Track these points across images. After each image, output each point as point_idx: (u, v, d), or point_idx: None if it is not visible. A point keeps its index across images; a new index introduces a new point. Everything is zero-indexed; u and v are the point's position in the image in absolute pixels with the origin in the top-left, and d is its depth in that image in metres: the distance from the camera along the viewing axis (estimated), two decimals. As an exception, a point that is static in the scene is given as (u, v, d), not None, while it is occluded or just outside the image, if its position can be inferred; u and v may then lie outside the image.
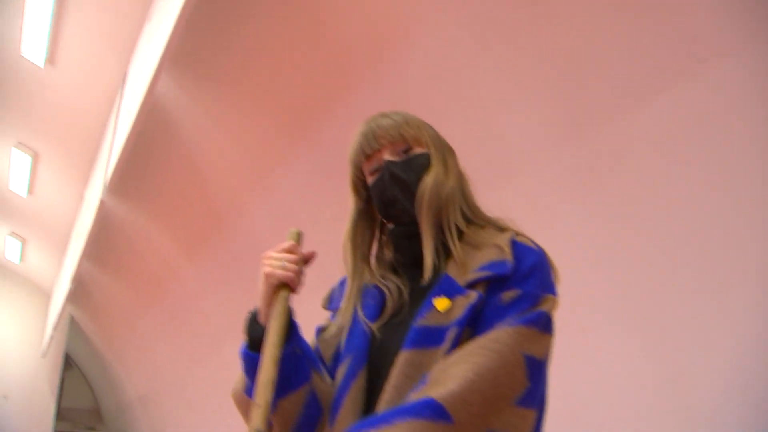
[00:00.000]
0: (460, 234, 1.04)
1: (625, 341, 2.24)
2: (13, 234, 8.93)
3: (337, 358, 1.06)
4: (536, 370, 0.91)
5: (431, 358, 0.92)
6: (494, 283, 0.95)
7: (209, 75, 3.83)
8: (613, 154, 2.19)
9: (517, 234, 1.03)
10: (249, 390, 1.02)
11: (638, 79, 2.06)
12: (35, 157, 6.59)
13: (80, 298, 8.91)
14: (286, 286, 1.01)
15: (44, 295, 10.42)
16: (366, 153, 1.09)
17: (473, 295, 0.94)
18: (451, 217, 1.04)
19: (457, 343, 0.92)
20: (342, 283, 1.15)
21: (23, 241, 9.09)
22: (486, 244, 1.00)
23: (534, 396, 0.91)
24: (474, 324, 0.93)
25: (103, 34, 4.71)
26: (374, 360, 0.99)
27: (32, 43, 4.95)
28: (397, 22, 2.71)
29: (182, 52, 3.77)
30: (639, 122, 2.08)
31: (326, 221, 3.54)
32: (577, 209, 2.33)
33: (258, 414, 0.91)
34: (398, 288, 1.05)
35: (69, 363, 12.14)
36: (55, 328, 8.33)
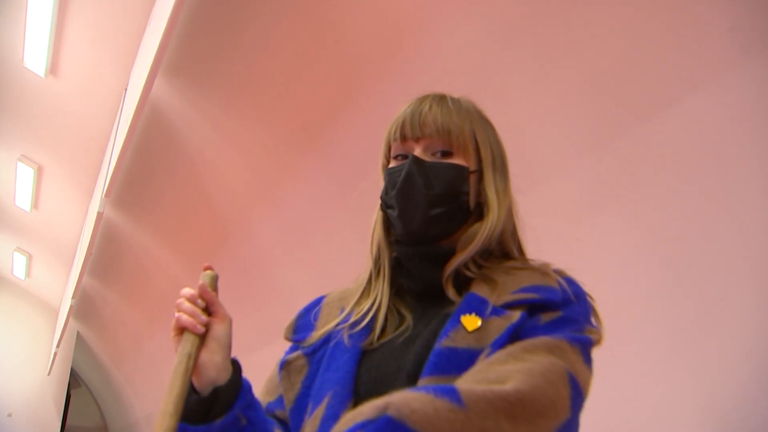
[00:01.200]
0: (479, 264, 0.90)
1: (657, 353, 2.08)
2: (18, 249, 8.85)
3: (303, 396, 0.89)
4: (577, 399, 0.75)
5: None
6: (537, 308, 0.82)
7: (212, 81, 3.71)
8: (641, 162, 2.05)
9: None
10: None
11: (667, 84, 1.92)
12: (39, 170, 6.49)
13: (87, 315, 8.84)
14: (188, 331, 0.85)
15: (51, 311, 10.35)
16: (403, 134, 0.93)
17: (515, 315, 0.80)
18: (481, 250, 0.90)
19: None
20: (309, 310, 1.00)
21: (29, 257, 9.03)
22: (519, 270, 0.88)
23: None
24: None
25: (105, 43, 4.61)
26: (362, 394, 0.82)
27: (34, 53, 4.85)
28: (410, 23, 2.57)
29: (182, 57, 3.66)
30: (669, 128, 1.94)
31: (338, 237, 3.42)
32: (604, 219, 2.19)
33: None
34: (395, 308, 0.92)
35: (76, 380, 12.08)
36: (59, 345, 8.24)
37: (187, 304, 0.86)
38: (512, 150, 2.55)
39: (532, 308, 0.81)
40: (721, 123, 1.83)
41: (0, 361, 10.06)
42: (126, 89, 4.54)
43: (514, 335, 0.78)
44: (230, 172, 4.13)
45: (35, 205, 7.24)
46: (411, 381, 0.79)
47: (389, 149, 0.96)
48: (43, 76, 5.04)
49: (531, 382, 0.70)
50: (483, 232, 0.89)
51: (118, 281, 7.29)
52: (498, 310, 0.81)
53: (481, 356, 0.77)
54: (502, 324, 0.79)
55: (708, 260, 1.92)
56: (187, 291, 0.87)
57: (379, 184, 0.99)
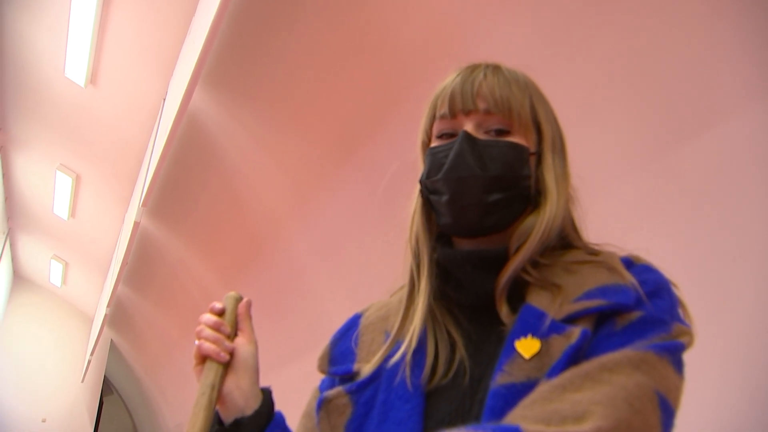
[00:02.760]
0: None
1: (715, 369, 1.96)
2: (55, 257, 8.98)
3: None
4: (668, 421, 0.63)
5: None
6: (607, 315, 0.67)
7: (250, 92, 3.70)
8: (692, 177, 1.95)
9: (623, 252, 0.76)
10: None
11: (720, 98, 1.82)
12: (77, 179, 6.57)
13: (120, 324, 8.92)
14: (211, 359, 0.78)
15: (86, 319, 10.48)
16: (451, 109, 0.79)
17: (575, 333, 0.65)
18: (539, 249, 0.75)
19: None
20: (344, 333, 0.84)
21: (65, 264, 9.15)
22: (581, 265, 0.73)
23: None
24: None
25: (144, 53, 4.65)
26: None
27: (75, 63, 4.91)
28: (451, 34, 2.50)
29: (221, 69, 3.66)
30: (722, 143, 1.84)
31: (372, 250, 3.36)
32: (652, 235, 2.07)
33: None
34: (448, 335, 0.75)
35: (109, 388, 12.19)
36: (93, 353, 8.31)
37: (208, 331, 0.78)
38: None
39: (601, 317, 0.68)
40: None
41: (35, 366, 10.21)
42: (164, 99, 4.56)
43: (573, 359, 0.65)
44: (265, 183, 4.10)
45: (72, 213, 7.34)
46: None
47: (431, 125, 0.82)
48: (83, 86, 5.10)
49: (615, 416, 0.58)
50: (540, 226, 0.74)
51: (151, 290, 7.33)
52: (558, 326, 0.67)
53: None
54: (562, 345, 0.66)
55: (763, 279, 1.79)
56: (209, 318, 0.80)
57: (416, 166, 0.85)
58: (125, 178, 5.98)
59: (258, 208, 4.33)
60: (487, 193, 0.74)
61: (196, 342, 0.78)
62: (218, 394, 0.76)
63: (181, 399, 8.43)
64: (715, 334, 2.00)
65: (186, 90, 3.22)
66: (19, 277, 10.55)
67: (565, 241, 0.79)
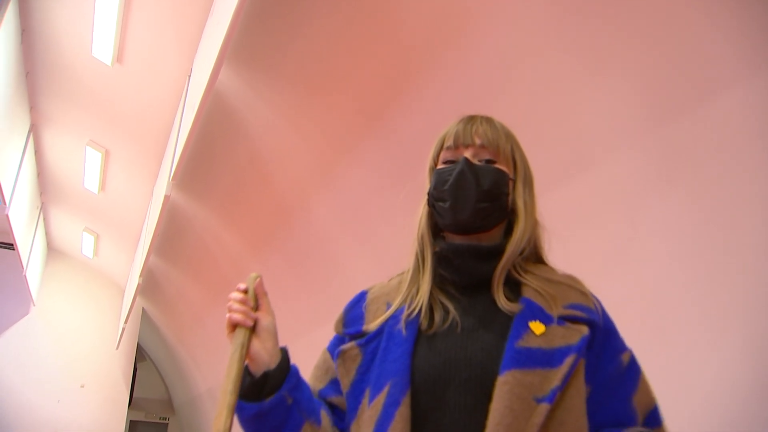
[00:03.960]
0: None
1: (714, 343, 2.04)
2: (87, 230, 9.20)
3: (359, 382, 1.03)
4: None
5: (543, 378, 0.91)
6: (591, 326, 1.00)
7: (273, 68, 3.78)
8: (700, 144, 2.01)
9: None
10: None
11: (722, 67, 1.88)
12: (106, 155, 6.73)
13: (151, 292, 9.14)
14: (240, 326, 1.02)
15: (117, 289, 10.74)
16: (455, 142, 1.08)
17: (584, 329, 0.98)
18: (519, 250, 1.06)
19: (573, 370, 0.93)
20: (357, 302, 1.13)
21: (96, 237, 9.36)
22: (561, 282, 1.04)
23: None
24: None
25: (168, 31, 4.74)
26: (421, 380, 0.97)
27: (101, 42, 5.02)
28: (468, 9, 2.57)
29: (245, 44, 3.72)
30: (723, 112, 1.91)
31: (396, 219, 3.46)
32: (660, 203, 2.16)
33: None
34: (438, 299, 1.04)
35: (142, 355, 12.52)
36: (126, 321, 8.56)
37: (236, 305, 1.02)
38: (567, 135, 2.58)
39: (587, 323, 1.00)
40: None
41: (72, 335, 10.51)
42: (189, 75, 4.65)
43: (587, 345, 0.97)
44: (290, 155, 4.20)
45: (102, 187, 7.52)
46: (482, 369, 0.95)
47: (438, 155, 1.11)
48: (110, 65, 5.21)
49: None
50: (516, 234, 1.05)
51: (181, 260, 7.49)
52: (557, 320, 0.98)
53: (567, 357, 0.93)
54: (566, 333, 0.96)
55: (763, 244, 1.88)
56: (236, 295, 1.03)
57: (424, 185, 1.12)
58: (152, 152, 6.12)
59: (283, 179, 4.44)
60: (479, 201, 1.03)
61: (227, 314, 1.02)
62: (247, 351, 1.00)
63: (211, 364, 8.66)
64: (717, 291, 2.07)
65: (214, 66, 3.32)
66: (52, 250, 10.79)
67: (538, 255, 1.10)
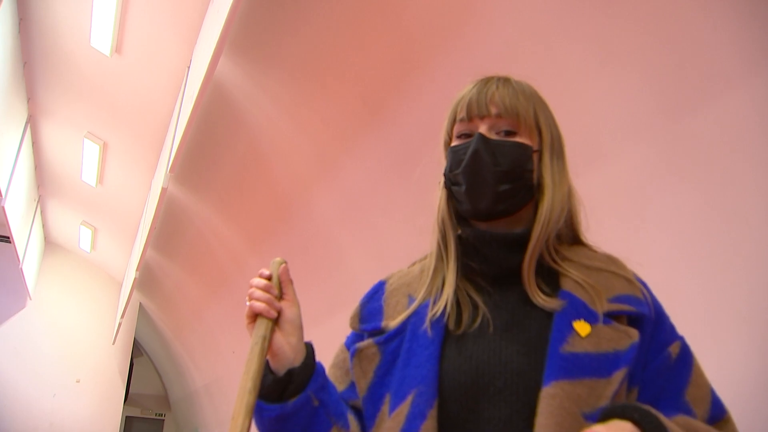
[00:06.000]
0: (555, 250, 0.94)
1: (726, 343, 2.00)
2: (84, 223, 9.15)
3: (377, 386, 0.91)
4: None
5: (590, 390, 0.80)
6: (634, 320, 0.88)
7: (274, 59, 3.73)
8: (709, 140, 1.97)
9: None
10: None
11: (731, 64, 1.84)
12: (104, 147, 6.68)
13: (149, 287, 9.09)
14: (262, 317, 0.89)
15: (114, 283, 10.70)
16: (469, 113, 0.94)
17: (633, 334, 0.85)
18: (552, 239, 0.93)
19: (622, 385, 0.82)
20: (372, 296, 1.01)
21: (94, 230, 9.32)
22: (603, 269, 0.92)
23: None
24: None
25: (167, 21, 4.69)
26: (451, 388, 0.85)
27: (100, 33, 4.97)
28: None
29: (245, 36, 3.68)
30: (732, 108, 1.86)
31: (397, 212, 3.42)
32: (670, 198, 2.11)
33: None
34: (465, 291, 0.92)
35: (139, 350, 12.48)
36: (123, 316, 8.51)
37: (259, 292, 0.89)
38: (574, 128, 2.50)
39: (631, 320, 0.88)
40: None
41: (68, 329, 10.47)
42: (188, 67, 4.60)
43: (639, 353, 0.85)
44: (291, 148, 4.15)
45: (100, 180, 7.47)
46: (521, 376, 0.83)
47: (452, 127, 0.97)
48: (108, 55, 5.16)
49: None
50: (541, 213, 0.91)
51: (179, 254, 7.44)
52: (605, 319, 0.86)
53: (617, 371, 0.81)
54: (614, 335, 0.84)
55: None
56: (259, 281, 0.91)
57: (440, 161, 0.99)
58: (151, 145, 6.07)
59: (283, 172, 4.38)
60: (498, 184, 0.90)
61: (248, 303, 0.89)
62: (269, 345, 0.88)
63: (208, 360, 8.62)
64: (726, 287, 2.04)
65: (212, 57, 3.27)
66: (49, 243, 10.75)
67: (575, 233, 0.97)
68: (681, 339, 0.92)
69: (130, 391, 11.59)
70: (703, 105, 1.94)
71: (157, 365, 13.09)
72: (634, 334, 0.85)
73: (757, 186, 1.85)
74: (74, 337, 10.46)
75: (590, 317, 0.85)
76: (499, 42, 2.49)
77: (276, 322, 0.90)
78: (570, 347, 0.82)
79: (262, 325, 0.88)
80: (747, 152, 1.87)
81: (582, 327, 0.84)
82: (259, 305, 0.88)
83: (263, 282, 0.90)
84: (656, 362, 0.88)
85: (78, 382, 10.32)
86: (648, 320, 0.88)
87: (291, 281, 0.93)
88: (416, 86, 2.95)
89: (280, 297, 0.92)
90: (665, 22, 1.95)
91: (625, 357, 0.83)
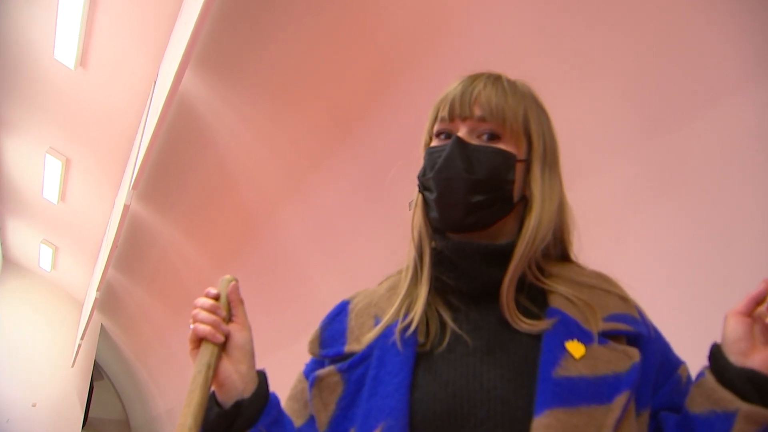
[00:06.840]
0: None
1: (703, 360, 1.98)
2: (45, 242, 8.94)
3: (339, 419, 0.81)
4: None
5: (589, 418, 0.71)
6: (632, 341, 0.80)
7: (243, 76, 3.67)
8: (693, 155, 1.96)
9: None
10: None
11: (711, 81, 1.84)
12: (66, 163, 6.53)
13: (111, 308, 8.90)
14: (207, 342, 0.79)
15: (76, 304, 10.47)
16: (450, 113, 0.85)
17: (634, 354, 0.77)
18: (538, 256, 0.84)
19: (626, 410, 0.73)
20: (333, 318, 0.90)
21: (55, 249, 9.12)
22: (596, 286, 0.84)
23: None
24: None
25: (134, 35, 4.61)
26: (422, 417, 0.75)
27: (64, 45, 4.86)
28: (445, 17, 2.50)
29: (213, 52, 3.63)
30: (712, 125, 1.85)
31: (366, 233, 3.36)
32: (644, 217, 2.11)
33: None
34: (441, 316, 0.83)
35: (99, 373, 12.19)
36: (83, 337, 8.30)
37: (204, 314, 0.80)
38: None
39: (627, 339, 0.81)
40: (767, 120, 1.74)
41: (25, 351, 10.19)
42: (155, 82, 4.52)
43: (638, 375, 0.77)
44: (258, 166, 4.09)
45: (62, 197, 7.30)
46: (507, 405, 0.74)
47: (432, 126, 0.89)
48: (72, 68, 5.05)
49: None
50: (526, 230, 0.82)
51: (142, 275, 7.32)
52: (600, 339, 0.78)
53: (618, 395, 0.73)
54: (611, 356, 0.76)
55: (755, 259, 1.81)
56: (205, 301, 0.81)
57: (418, 162, 0.90)
58: (115, 161, 5.94)
59: (250, 191, 4.32)
60: (471, 194, 0.81)
61: (192, 326, 0.80)
62: (214, 373, 0.78)
63: (171, 384, 8.44)
64: (707, 310, 2.02)
65: (176, 72, 3.19)
66: (8, 262, 10.50)
67: (564, 252, 0.88)
68: (684, 363, 0.87)
69: (89, 415, 11.27)
70: (684, 122, 1.93)
71: (119, 389, 12.82)
72: (635, 354, 0.77)
73: (739, 204, 1.84)
74: (31, 360, 10.18)
75: (584, 337, 0.77)
76: (476, 60, 2.43)
77: (223, 347, 0.80)
78: (563, 371, 0.74)
79: (206, 351, 0.78)
80: (729, 169, 1.86)
81: (575, 348, 0.76)
82: (204, 328, 0.78)
83: (209, 302, 0.80)
84: (668, 386, 0.82)
85: (34, 406, 10.02)
86: (647, 340, 0.81)
87: (241, 301, 0.83)
88: (388, 105, 2.91)
89: (229, 319, 0.82)
90: (647, 39, 1.94)
91: (627, 380, 0.74)
